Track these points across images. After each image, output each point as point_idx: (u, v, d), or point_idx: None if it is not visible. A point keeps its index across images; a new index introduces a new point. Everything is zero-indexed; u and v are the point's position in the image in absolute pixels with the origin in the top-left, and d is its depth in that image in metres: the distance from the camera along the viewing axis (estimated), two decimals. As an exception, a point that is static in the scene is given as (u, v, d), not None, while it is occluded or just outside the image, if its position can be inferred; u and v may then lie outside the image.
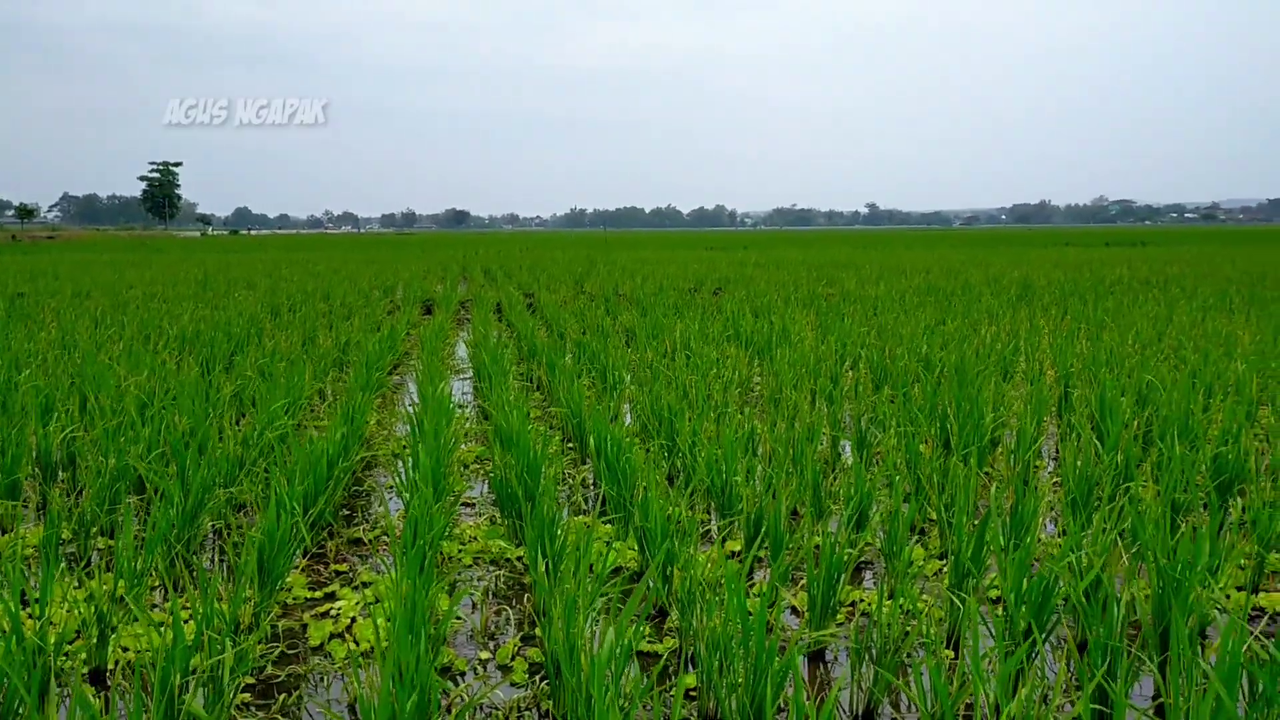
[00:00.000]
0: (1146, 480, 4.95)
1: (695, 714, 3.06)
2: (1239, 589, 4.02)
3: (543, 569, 3.25)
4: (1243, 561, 4.20)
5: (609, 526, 4.74)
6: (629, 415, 7.35)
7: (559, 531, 3.94)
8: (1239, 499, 4.64)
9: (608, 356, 8.20)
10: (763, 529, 4.16)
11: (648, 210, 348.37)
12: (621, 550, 4.41)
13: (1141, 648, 3.28)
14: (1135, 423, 5.85)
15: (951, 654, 3.46)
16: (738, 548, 4.47)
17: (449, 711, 2.94)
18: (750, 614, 2.84)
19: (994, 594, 3.84)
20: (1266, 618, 3.82)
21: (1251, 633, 3.28)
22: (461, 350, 11.51)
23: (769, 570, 4.09)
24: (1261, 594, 3.99)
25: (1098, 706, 2.79)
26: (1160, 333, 10.10)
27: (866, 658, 3.13)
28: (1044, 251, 36.74)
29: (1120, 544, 3.76)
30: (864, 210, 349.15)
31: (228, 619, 3.14)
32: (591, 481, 5.71)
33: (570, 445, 6.55)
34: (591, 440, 5.43)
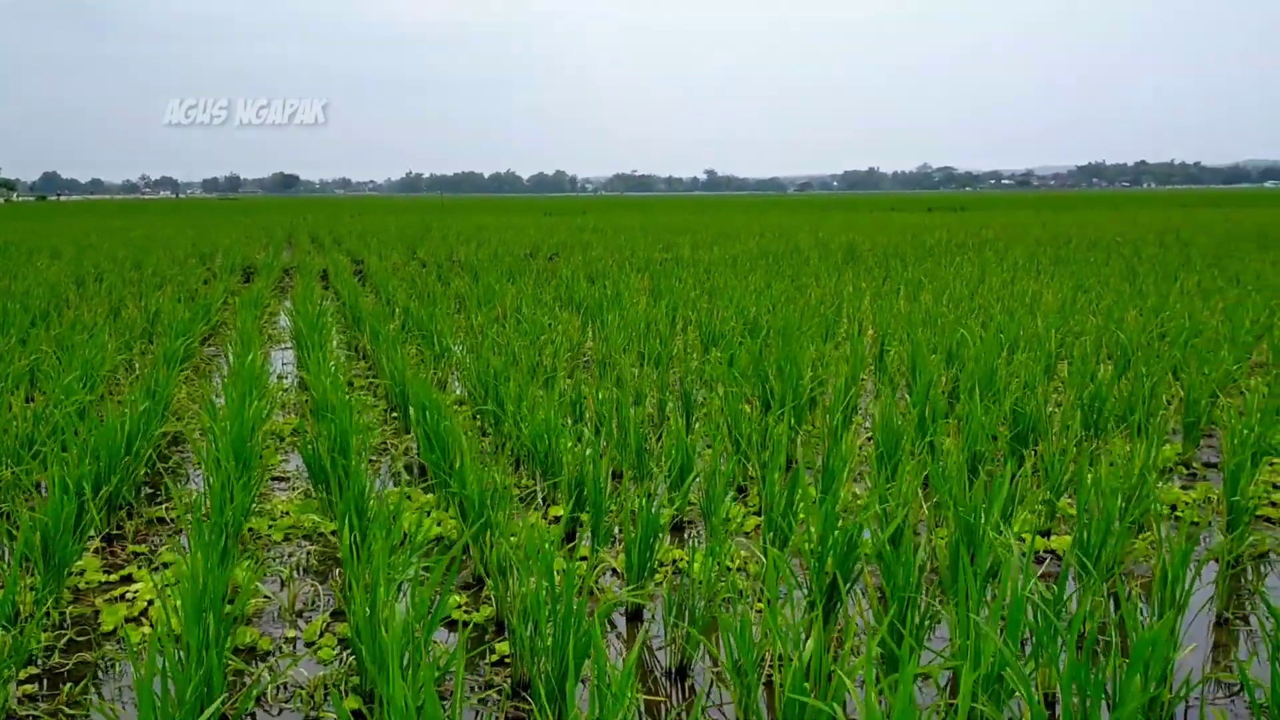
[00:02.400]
0: (951, 432, 5.17)
1: (509, 681, 3.02)
2: (1034, 533, 4.26)
3: (349, 541, 3.13)
4: (1037, 507, 4.44)
5: (430, 496, 4.64)
6: (457, 383, 7.22)
7: (371, 502, 3.82)
8: (1034, 448, 4.91)
9: (436, 323, 8.02)
10: (584, 493, 4.15)
11: (486, 175, 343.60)
12: (443, 520, 4.33)
13: (941, 592, 3.43)
14: (943, 378, 6.10)
15: (765, 606, 3.53)
16: (561, 513, 4.45)
17: (244, 692, 2.81)
18: (566, 577, 2.81)
19: (808, 547, 3.94)
20: (1050, 559, 4.04)
21: (1037, 573, 3.46)
22: (285, 320, 11.07)
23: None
24: (1053, 537, 4.22)
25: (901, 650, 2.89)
26: (973, 292, 10.59)
27: (680, 614, 3.15)
28: (871, 216, 38.03)
29: (922, 494, 3.91)
30: (702, 176, 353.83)
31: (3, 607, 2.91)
32: (415, 450, 5.57)
33: (394, 414, 6.39)
34: (413, 409, 5.29)
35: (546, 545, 2.81)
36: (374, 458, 5.52)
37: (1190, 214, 36.46)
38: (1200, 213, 38.17)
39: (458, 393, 6.96)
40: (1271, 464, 5.15)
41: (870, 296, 10.60)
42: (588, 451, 4.32)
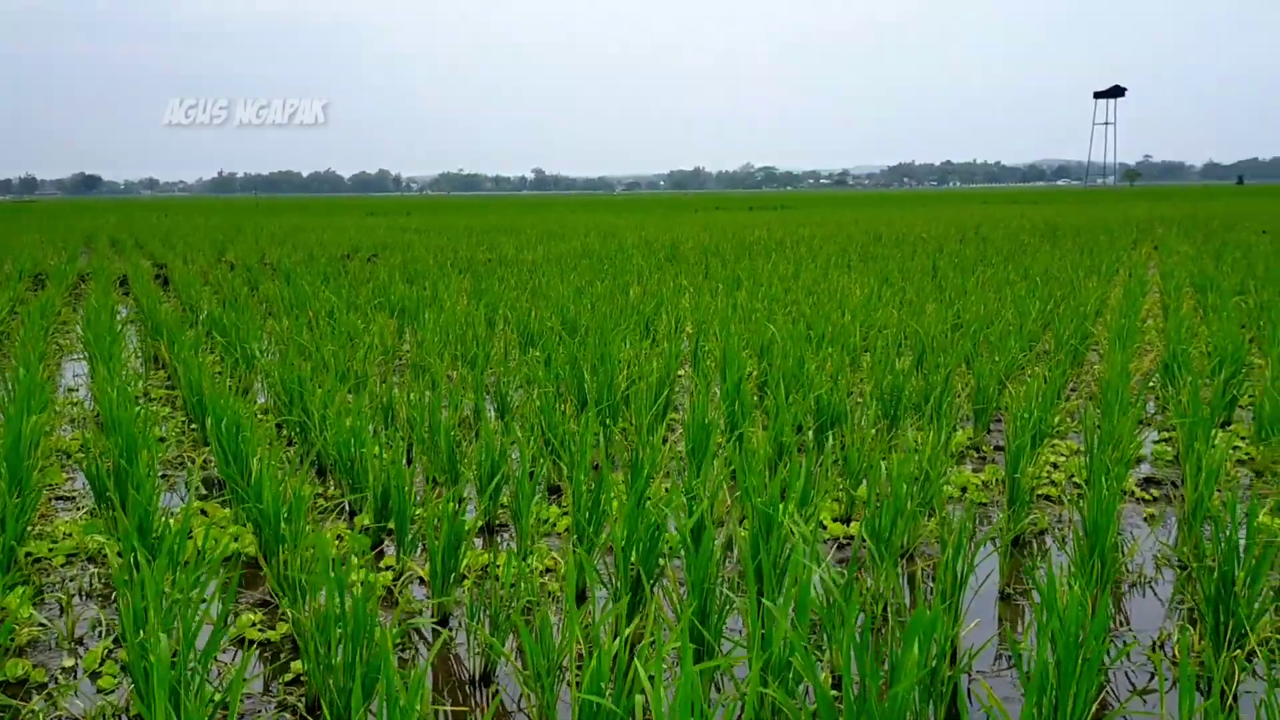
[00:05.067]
0: (758, 425, 5.30)
1: (304, 700, 2.91)
2: (835, 519, 4.41)
3: (129, 562, 2.95)
4: (839, 495, 4.60)
5: (228, 510, 4.44)
6: (263, 392, 6.93)
7: (159, 519, 3.62)
8: (837, 438, 5.08)
9: (241, 329, 7.68)
10: (390, 502, 4.05)
11: (305, 174, 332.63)
12: (241, 535, 4.14)
13: (741, 581, 3.50)
14: (754, 373, 6.25)
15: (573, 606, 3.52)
16: (369, 521, 4.32)
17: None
18: (357, 590, 2.73)
19: (614, 545, 3.96)
20: (850, 544, 4.19)
21: (827, 557, 3.58)
22: (82, 330, 10.37)
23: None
24: (854, 523, 4.38)
25: (699, 644, 2.93)
26: (787, 288, 10.91)
27: (485, 619, 3.11)
28: (695, 215, 38.76)
29: (728, 487, 3.99)
30: (530, 175, 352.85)
31: None
32: (214, 464, 5.31)
33: (194, 426, 6.07)
34: (210, 419, 5.04)
35: (338, 557, 2.71)
36: (169, 472, 5.23)
37: (990, 211, 38.73)
38: (999, 209, 40.59)
39: (262, 401, 6.69)
40: (1054, 445, 5.51)
41: (690, 294, 10.78)
42: (394, 458, 4.22)
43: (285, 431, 5.86)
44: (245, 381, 6.99)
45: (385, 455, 4.27)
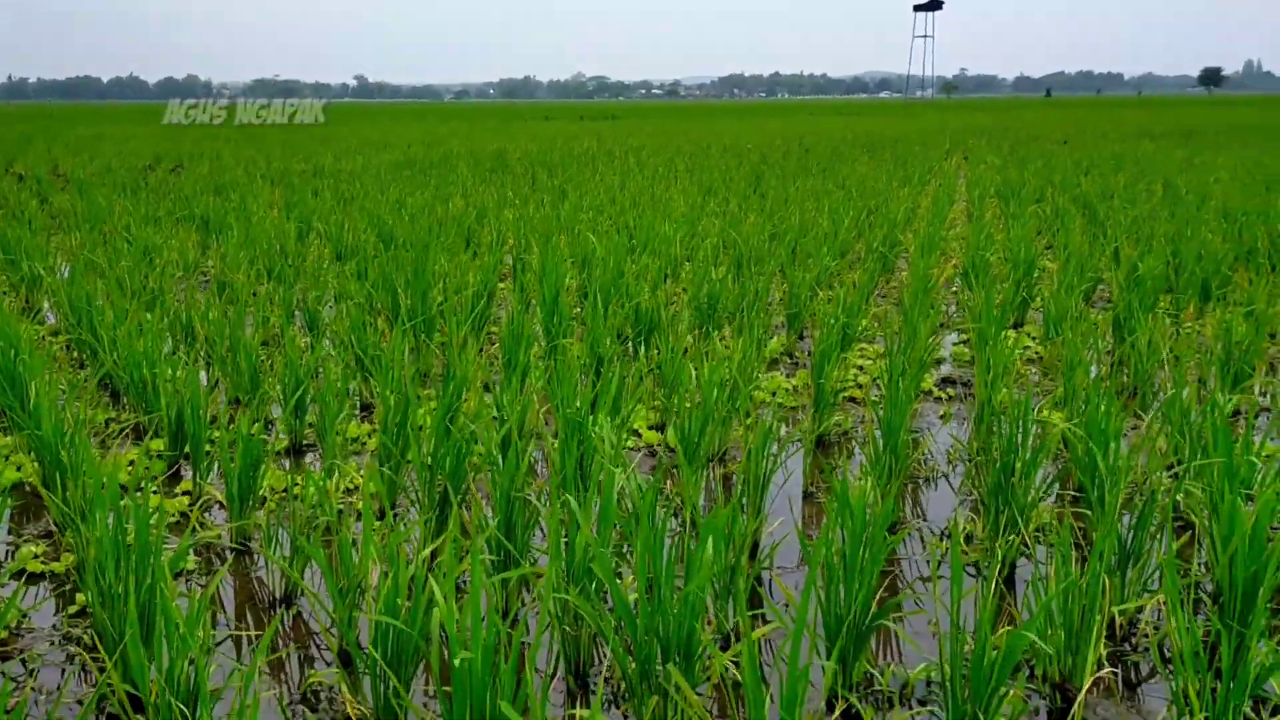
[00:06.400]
0: (575, 337, 5.29)
1: (90, 632, 2.77)
2: (651, 428, 4.47)
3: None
4: (655, 404, 4.66)
5: (10, 438, 4.15)
6: (51, 312, 6.47)
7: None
8: (653, 347, 5.13)
9: (25, 245, 7.12)
10: (186, 425, 3.86)
11: (106, 80, 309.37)
12: (25, 464, 3.88)
13: (561, 487, 3.51)
14: (574, 284, 6.22)
15: (370, 524, 3.46)
16: (163, 447, 4.12)
17: None
18: (137, 516, 2.59)
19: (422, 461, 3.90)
20: (664, 451, 4.27)
21: (634, 464, 3.63)
22: None
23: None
24: (669, 429, 4.45)
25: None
26: (614, 199, 10.87)
27: (282, 540, 3.02)
28: (526, 125, 38.07)
29: (540, 399, 3.97)
30: (353, 83, 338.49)
31: None
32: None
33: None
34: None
35: (132, 483, 2.56)
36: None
37: (816, 122, 39.51)
38: (824, 121, 41.46)
39: (52, 322, 6.24)
40: (862, 350, 5.72)
41: (515, 206, 10.60)
42: (189, 378, 4.01)
43: (76, 353, 5.50)
44: (35, 302, 6.52)
45: (179, 375, 4.06)
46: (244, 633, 2.85)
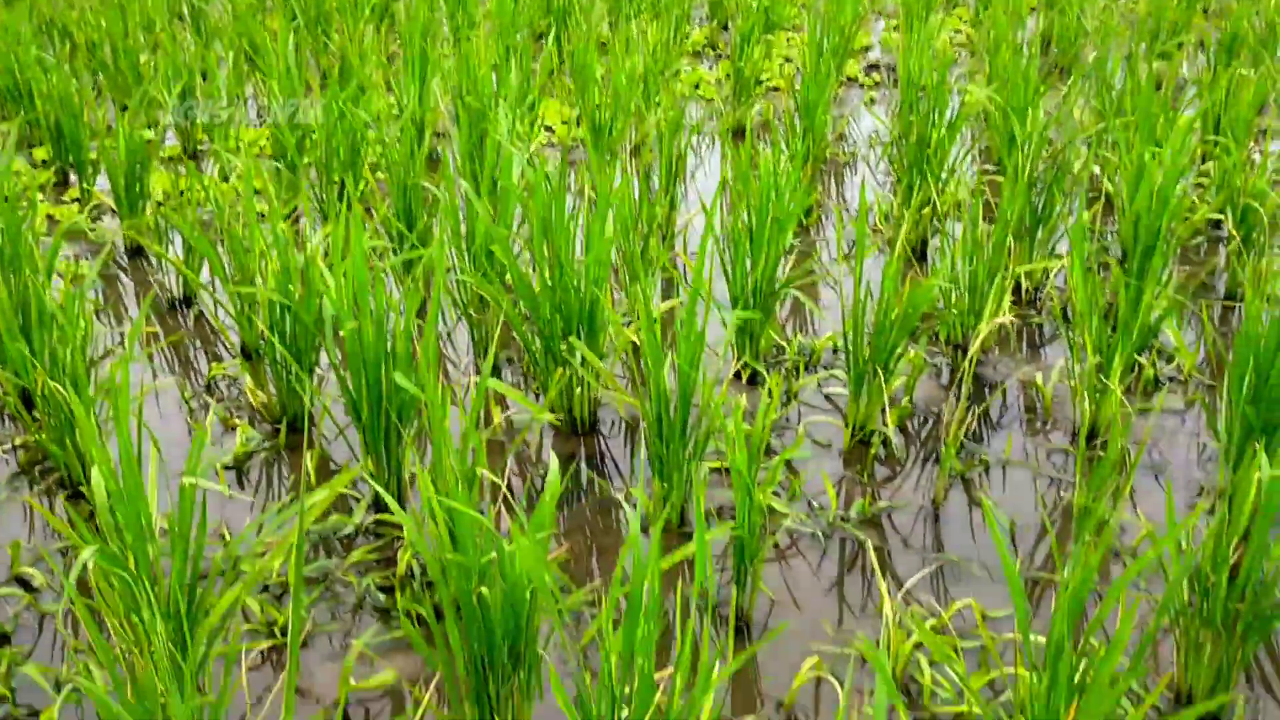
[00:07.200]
0: (481, 29, 4.98)
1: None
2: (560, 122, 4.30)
3: None
4: (571, 100, 4.45)
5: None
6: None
7: None
8: (563, 38, 4.85)
9: None
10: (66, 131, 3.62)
11: None
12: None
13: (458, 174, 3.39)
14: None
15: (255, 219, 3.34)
16: (46, 156, 3.88)
17: None
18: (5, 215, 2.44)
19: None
20: (578, 146, 4.12)
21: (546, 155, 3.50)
22: None
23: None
24: (581, 126, 4.28)
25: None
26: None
27: (175, 241, 2.90)
28: None
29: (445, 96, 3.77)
30: None
31: None
32: None
33: None
34: None
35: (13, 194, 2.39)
36: None
37: None
38: None
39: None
40: (790, 40, 5.48)
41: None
42: (61, 81, 3.71)
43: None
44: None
45: (54, 79, 3.76)
46: (154, 329, 2.79)
